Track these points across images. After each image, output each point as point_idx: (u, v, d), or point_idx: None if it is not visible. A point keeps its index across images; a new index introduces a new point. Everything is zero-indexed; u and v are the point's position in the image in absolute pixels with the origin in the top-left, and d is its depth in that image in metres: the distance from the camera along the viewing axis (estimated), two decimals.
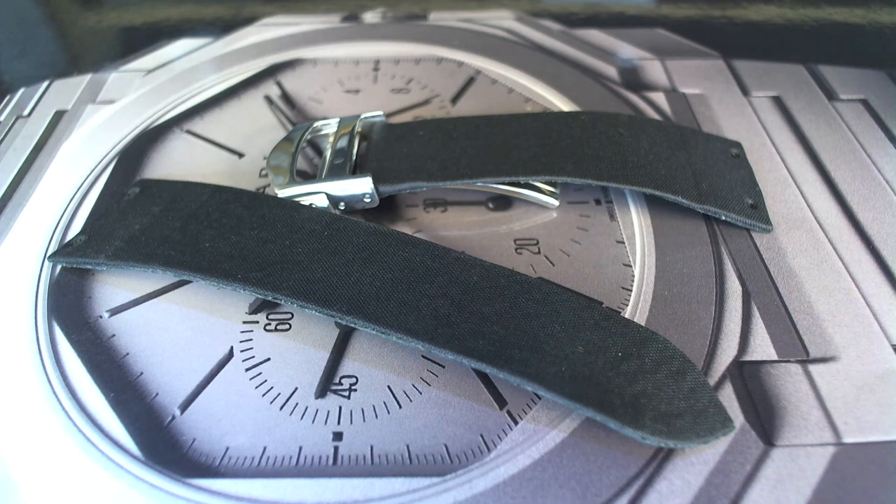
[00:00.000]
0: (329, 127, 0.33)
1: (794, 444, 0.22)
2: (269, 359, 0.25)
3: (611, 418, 0.21)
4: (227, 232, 0.27)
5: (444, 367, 0.24)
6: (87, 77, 0.40)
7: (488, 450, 0.22)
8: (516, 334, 0.23)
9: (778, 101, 0.37)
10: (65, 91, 0.39)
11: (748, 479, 0.21)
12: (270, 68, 0.40)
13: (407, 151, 0.31)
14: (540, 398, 0.23)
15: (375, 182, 0.29)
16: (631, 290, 0.26)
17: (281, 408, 0.23)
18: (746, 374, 0.23)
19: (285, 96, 0.38)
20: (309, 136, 0.33)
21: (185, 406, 0.23)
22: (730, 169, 0.31)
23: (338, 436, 0.22)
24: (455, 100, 0.37)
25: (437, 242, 0.26)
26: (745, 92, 0.37)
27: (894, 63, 0.39)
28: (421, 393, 0.23)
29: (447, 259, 0.25)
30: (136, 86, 0.39)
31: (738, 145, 0.32)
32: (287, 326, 0.26)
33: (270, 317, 0.26)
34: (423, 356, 0.24)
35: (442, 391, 0.23)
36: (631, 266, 0.27)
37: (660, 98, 0.37)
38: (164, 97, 0.38)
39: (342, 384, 0.24)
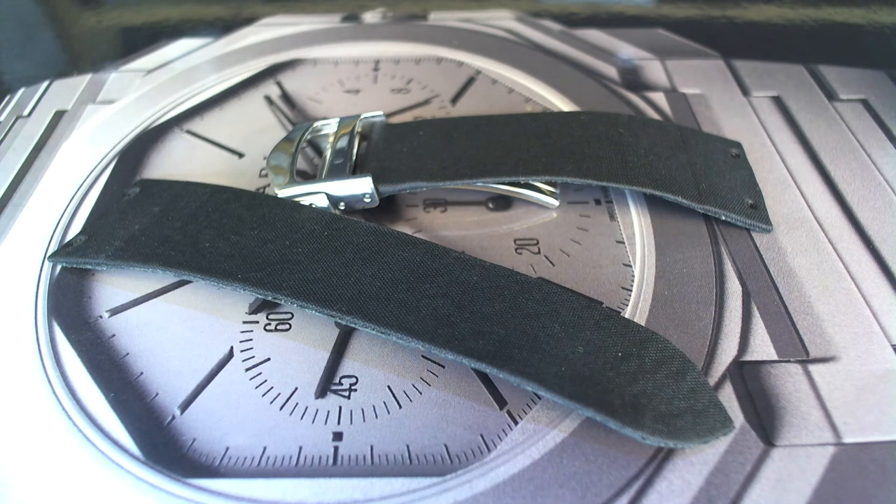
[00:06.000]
0: (329, 127, 0.33)
1: (794, 444, 0.22)
2: (269, 359, 0.25)
3: (611, 418, 0.21)
4: (227, 232, 0.27)
5: (444, 367, 0.24)
6: (87, 77, 0.40)
7: (488, 450, 0.22)
8: (516, 334, 0.23)
9: (778, 101, 0.37)
10: (65, 91, 0.39)
11: (748, 479, 0.21)
12: (270, 68, 0.40)
13: (407, 151, 0.31)
14: (540, 398, 0.23)
15: (375, 182, 0.29)
16: (631, 290, 0.26)
17: (281, 408, 0.23)
18: (746, 374, 0.23)
19: (285, 96, 0.38)
20: (309, 136, 0.32)
21: (185, 406, 0.23)
22: (730, 169, 0.31)
23: (338, 436, 0.22)
24: (455, 100, 0.37)
25: (437, 242, 0.26)
26: (745, 92, 0.37)
27: (894, 63, 0.39)
28: (421, 393, 0.23)
29: (447, 259, 0.25)
30: (136, 86, 0.39)
31: (738, 145, 0.32)
32: (287, 326, 0.26)
33: (270, 317, 0.26)
34: (423, 356, 0.24)
35: (442, 391, 0.23)
36: (631, 266, 0.27)
37: (660, 98, 0.37)
38: (164, 97, 0.38)
39: (342, 384, 0.24)
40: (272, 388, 0.24)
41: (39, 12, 0.49)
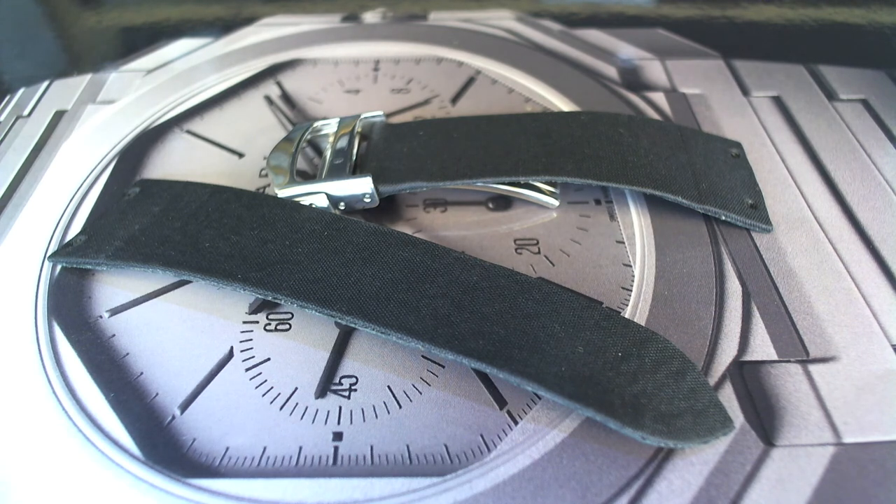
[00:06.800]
0: (329, 127, 0.33)
1: (794, 444, 0.22)
2: (269, 359, 0.25)
3: (611, 418, 0.21)
4: (227, 232, 0.27)
5: (444, 367, 0.24)
6: (87, 77, 0.40)
7: (488, 450, 0.22)
8: (516, 334, 0.23)
9: (778, 101, 0.37)
10: (65, 91, 0.39)
11: (748, 479, 0.21)
12: (270, 68, 0.40)
13: (407, 151, 0.31)
14: (540, 398, 0.23)
15: (375, 182, 0.29)
16: (631, 290, 0.26)
17: (281, 408, 0.23)
18: (746, 374, 0.23)
19: (285, 96, 0.38)
20: (309, 136, 0.32)
21: (185, 406, 0.23)
22: (730, 169, 0.31)
23: (338, 436, 0.22)
24: (455, 100, 0.37)
25: (437, 242, 0.26)
26: (745, 92, 0.37)
27: (894, 63, 0.39)
28: (421, 393, 0.23)
29: (447, 259, 0.25)
30: (136, 86, 0.39)
31: (738, 145, 0.32)
32: (287, 326, 0.26)
33: (270, 317, 0.26)
34: (423, 356, 0.24)
35: (442, 391, 0.23)
36: (631, 266, 0.27)
37: (660, 98, 0.37)
38: (164, 97, 0.38)
39: (342, 384, 0.24)
40: (272, 388, 0.24)
41: (39, 12, 0.49)
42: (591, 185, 0.30)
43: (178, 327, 0.26)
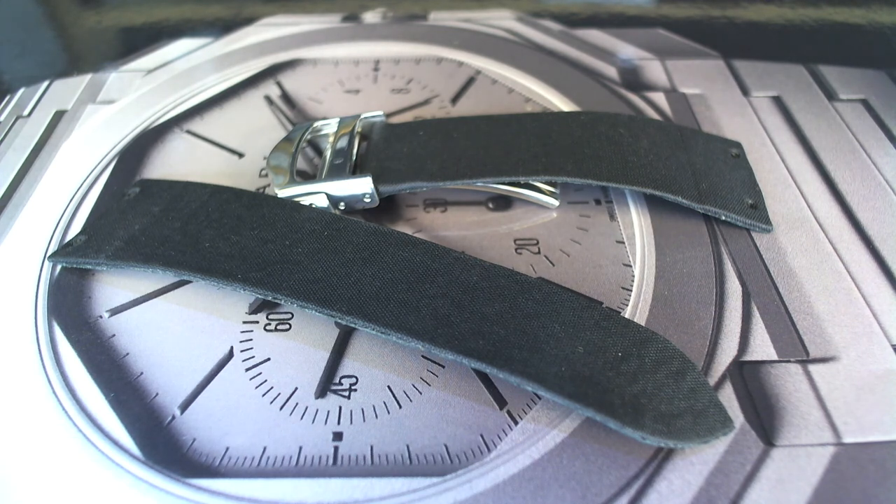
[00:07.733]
0: (329, 127, 0.33)
1: (794, 444, 0.22)
2: (269, 359, 0.25)
3: (611, 418, 0.21)
4: (227, 232, 0.27)
5: (444, 367, 0.24)
6: (87, 77, 0.40)
7: (488, 450, 0.22)
8: (516, 334, 0.23)
9: (778, 101, 0.37)
10: (65, 91, 0.39)
11: (748, 479, 0.21)
12: (270, 68, 0.40)
13: (407, 151, 0.31)
14: (540, 398, 0.23)
15: (375, 182, 0.29)
16: (631, 290, 0.26)
17: (281, 408, 0.23)
18: (746, 374, 0.23)
19: (285, 96, 0.38)
20: (309, 136, 0.32)
21: (185, 406, 0.23)
22: (730, 169, 0.31)
23: (338, 436, 0.22)
24: (455, 100, 0.37)
25: (437, 242, 0.26)
26: (745, 92, 0.37)
27: (894, 63, 0.39)
28: (421, 393, 0.23)
29: (447, 259, 0.25)
30: (136, 86, 0.39)
31: (738, 145, 0.32)
32: (287, 326, 0.26)
33: (270, 317, 0.26)
34: (423, 356, 0.24)
35: (442, 391, 0.23)
36: (631, 266, 0.27)
37: (660, 98, 0.37)
38: (164, 97, 0.38)
39: (342, 384, 0.24)
40: (272, 387, 0.24)
41: (39, 12, 0.49)
42: (591, 185, 0.31)
43: (178, 327, 0.26)
